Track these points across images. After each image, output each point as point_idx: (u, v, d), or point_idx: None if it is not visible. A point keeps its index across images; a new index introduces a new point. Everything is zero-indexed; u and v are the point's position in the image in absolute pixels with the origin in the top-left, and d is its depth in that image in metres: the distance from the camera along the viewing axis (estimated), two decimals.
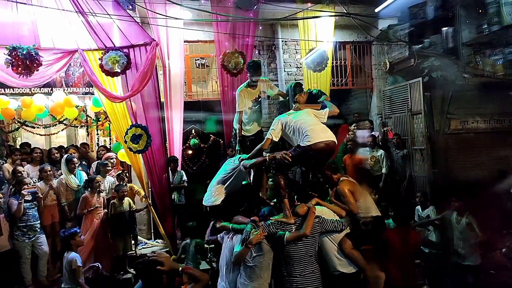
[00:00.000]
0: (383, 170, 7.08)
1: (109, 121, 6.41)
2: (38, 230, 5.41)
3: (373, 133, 7.63)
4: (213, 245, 4.72)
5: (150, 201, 6.17)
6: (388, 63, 8.08)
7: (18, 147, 7.04)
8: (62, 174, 5.95)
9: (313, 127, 3.66)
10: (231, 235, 3.72)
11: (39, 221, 5.45)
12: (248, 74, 5.19)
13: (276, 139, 3.85)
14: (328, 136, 3.66)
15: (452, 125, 7.36)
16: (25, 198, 5.21)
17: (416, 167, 7.44)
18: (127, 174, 6.22)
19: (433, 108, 7.33)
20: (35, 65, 4.89)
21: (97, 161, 6.61)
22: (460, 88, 6.99)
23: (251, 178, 4.18)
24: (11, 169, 5.97)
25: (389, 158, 7.27)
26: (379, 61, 8.35)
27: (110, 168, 6.28)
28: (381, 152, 7.17)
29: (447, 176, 7.19)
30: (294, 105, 4.17)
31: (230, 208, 3.93)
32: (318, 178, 4.14)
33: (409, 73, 7.68)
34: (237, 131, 5.06)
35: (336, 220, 3.62)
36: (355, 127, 7.87)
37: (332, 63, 7.55)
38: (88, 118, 7.35)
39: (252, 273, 3.40)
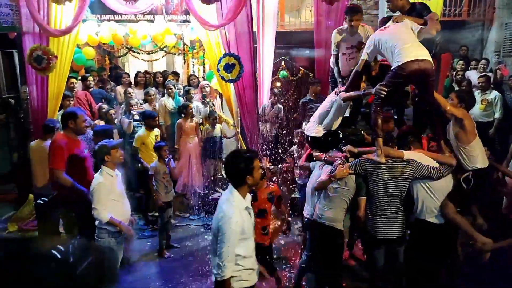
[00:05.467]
0: (496, 115, 6.28)
1: (204, 49, 6.62)
2: None
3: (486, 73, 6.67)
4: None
5: (238, 130, 6.46)
6: None
7: (126, 71, 7.75)
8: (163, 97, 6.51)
9: (405, 45, 3.24)
10: (322, 165, 3.82)
11: None
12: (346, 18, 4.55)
13: (370, 60, 3.63)
14: (423, 55, 3.21)
15: None
16: (134, 118, 5.89)
17: None
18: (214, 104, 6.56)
19: None
20: None
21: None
22: None
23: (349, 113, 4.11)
24: (122, 91, 6.71)
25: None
26: None
27: (194, 93, 6.55)
28: (495, 94, 6.31)
29: None
30: (393, 17, 3.72)
31: (330, 142, 3.93)
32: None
33: None
34: (336, 73, 4.60)
35: (433, 166, 3.30)
36: (462, 64, 6.92)
37: None
38: (185, 46, 7.66)
39: (330, 202, 3.57)
